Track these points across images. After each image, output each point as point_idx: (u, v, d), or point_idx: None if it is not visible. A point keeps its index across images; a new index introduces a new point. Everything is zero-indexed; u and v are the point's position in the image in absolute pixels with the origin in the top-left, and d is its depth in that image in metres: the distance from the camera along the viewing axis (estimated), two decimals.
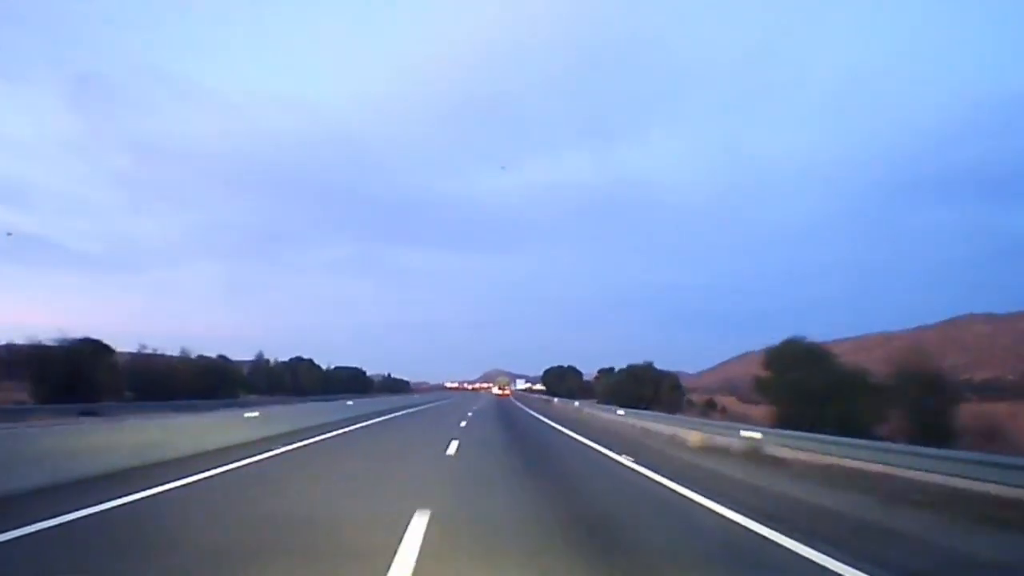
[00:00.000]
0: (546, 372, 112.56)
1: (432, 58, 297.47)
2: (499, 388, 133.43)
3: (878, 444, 11.49)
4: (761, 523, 6.18)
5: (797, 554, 5.06)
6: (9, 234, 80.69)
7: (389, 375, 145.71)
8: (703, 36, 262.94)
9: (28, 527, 5.36)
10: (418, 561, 4.47)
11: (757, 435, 13.89)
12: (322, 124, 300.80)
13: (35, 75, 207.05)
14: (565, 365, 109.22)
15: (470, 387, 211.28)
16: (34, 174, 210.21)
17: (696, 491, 8.17)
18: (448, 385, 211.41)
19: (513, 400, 76.23)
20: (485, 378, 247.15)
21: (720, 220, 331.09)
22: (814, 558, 4.90)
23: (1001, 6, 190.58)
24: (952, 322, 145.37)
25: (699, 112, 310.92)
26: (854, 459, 10.70)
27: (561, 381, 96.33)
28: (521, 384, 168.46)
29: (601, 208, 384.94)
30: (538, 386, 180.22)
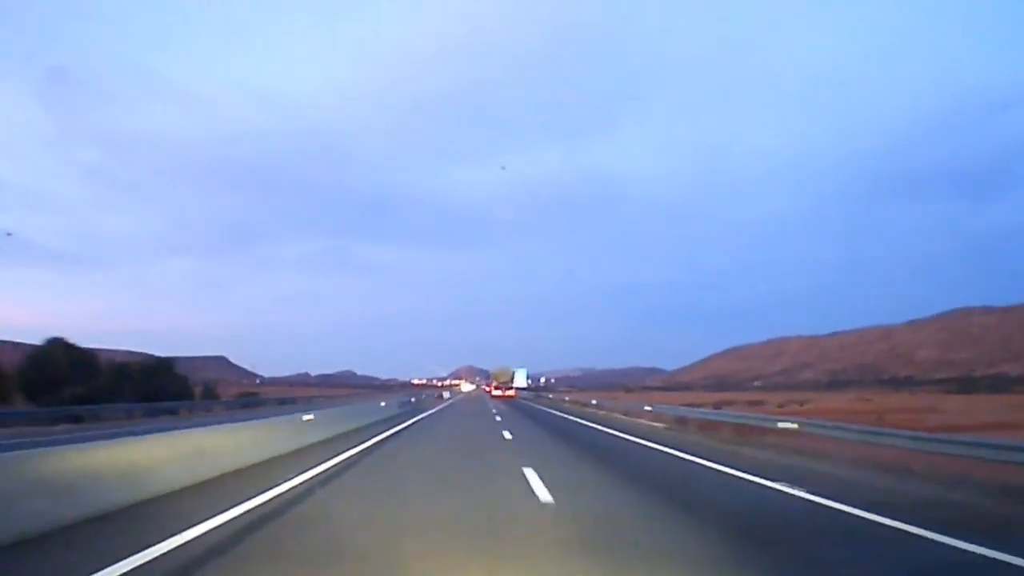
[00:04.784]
0: None
1: (404, 54, 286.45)
2: (497, 385, 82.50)
3: None
4: None
5: None
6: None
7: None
8: (675, 34, 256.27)
9: None
10: None
11: None
12: (294, 119, 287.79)
13: (5, 70, 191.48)
14: None
15: (439, 383, 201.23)
16: (3, 169, 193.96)
17: None
18: (416, 382, 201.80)
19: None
20: (456, 375, 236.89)
21: (694, 216, 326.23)
22: None
23: (973, 8, 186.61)
24: (949, 315, 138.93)
25: (671, 109, 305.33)
26: None
27: None
28: (520, 379, 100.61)
29: (573, 204, 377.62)
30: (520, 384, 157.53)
